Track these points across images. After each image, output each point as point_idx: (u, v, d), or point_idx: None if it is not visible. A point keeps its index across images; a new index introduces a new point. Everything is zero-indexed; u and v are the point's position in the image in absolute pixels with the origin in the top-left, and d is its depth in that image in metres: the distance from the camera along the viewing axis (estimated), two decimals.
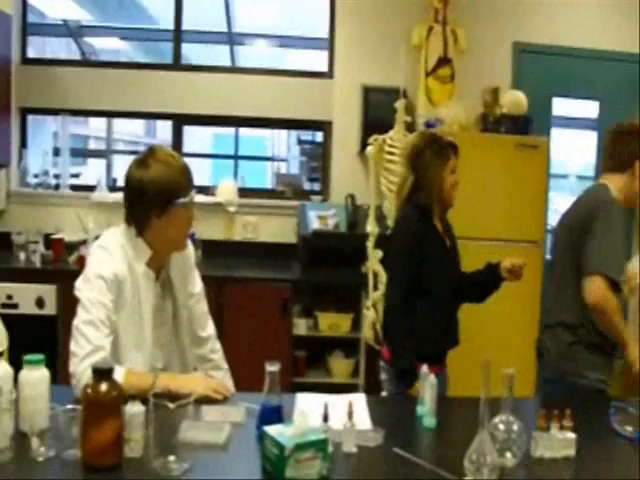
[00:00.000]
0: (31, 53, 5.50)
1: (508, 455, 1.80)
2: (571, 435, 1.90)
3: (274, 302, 4.54)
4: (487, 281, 2.97)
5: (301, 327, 4.73)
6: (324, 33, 5.45)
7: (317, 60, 5.59)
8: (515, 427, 1.82)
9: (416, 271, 2.85)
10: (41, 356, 1.86)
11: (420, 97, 5.05)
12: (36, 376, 1.83)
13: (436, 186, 2.90)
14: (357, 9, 5.28)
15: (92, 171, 6.37)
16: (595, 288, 2.59)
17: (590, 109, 5.61)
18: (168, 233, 2.32)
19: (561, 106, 5.46)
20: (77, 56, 5.93)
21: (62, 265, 4.65)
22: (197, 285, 2.61)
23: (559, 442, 1.88)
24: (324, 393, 2.30)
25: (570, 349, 2.73)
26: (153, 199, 2.25)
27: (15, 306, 4.38)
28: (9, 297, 4.39)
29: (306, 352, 4.82)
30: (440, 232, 2.96)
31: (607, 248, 2.62)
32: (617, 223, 2.65)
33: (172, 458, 1.70)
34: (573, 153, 6.07)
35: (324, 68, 5.45)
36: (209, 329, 2.66)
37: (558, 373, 2.77)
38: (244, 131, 6.18)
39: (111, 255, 2.27)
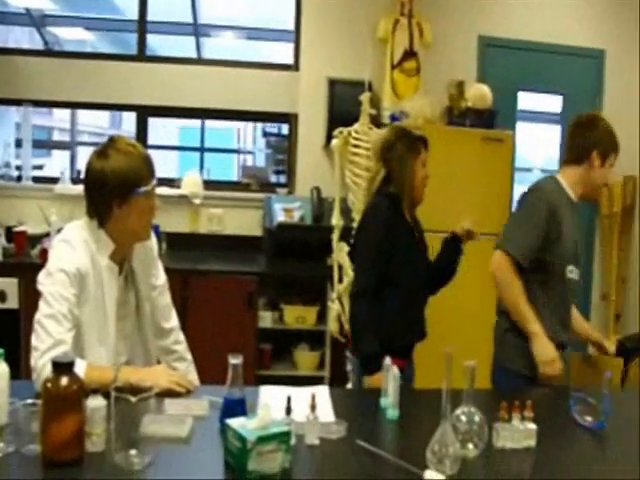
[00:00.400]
0: None
1: (470, 446, 1.82)
2: (532, 426, 1.92)
3: (240, 295, 4.53)
4: (449, 254, 3.07)
5: (267, 320, 4.73)
6: (290, 25, 5.45)
7: (283, 52, 5.58)
8: (477, 418, 1.83)
9: (385, 260, 2.87)
10: (0, 350, 1.83)
11: (386, 90, 5.06)
12: None
13: (407, 179, 2.93)
14: (323, 2, 5.27)
15: (56, 163, 6.30)
16: (495, 260, 2.74)
17: (554, 103, 5.67)
18: (130, 223, 2.30)
19: (526, 100, 5.51)
20: (40, 46, 5.85)
21: (24, 258, 4.59)
22: (160, 277, 2.60)
23: (520, 433, 1.90)
24: (290, 386, 2.30)
25: (504, 335, 2.83)
26: (114, 189, 2.23)
27: None
28: None
29: (272, 345, 4.82)
30: (409, 223, 2.98)
31: (519, 231, 2.77)
32: (539, 212, 2.73)
33: (134, 452, 1.68)
34: (537, 147, 6.13)
35: (290, 60, 5.45)
36: (172, 321, 2.66)
37: (498, 360, 2.87)
38: (210, 123, 6.15)
39: (74, 249, 2.25)
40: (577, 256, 2.82)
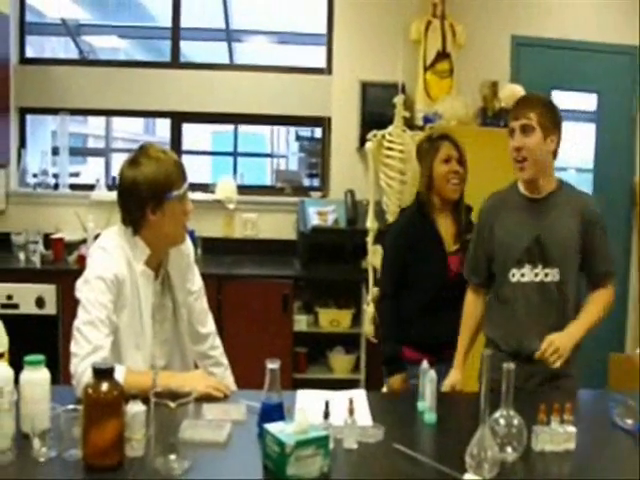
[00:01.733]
0: (30, 52, 5.48)
1: (509, 450, 1.81)
2: (572, 428, 1.90)
3: (274, 299, 4.54)
4: None
5: (302, 323, 4.73)
6: (322, 29, 5.44)
7: (315, 56, 5.58)
8: (515, 421, 1.82)
9: (402, 264, 3.04)
10: (41, 357, 1.86)
11: (419, 92, 5.04)
12: (37, 377, 1.84)
13: (425, 177, 3.07)
14: (355, 4, 5.26)
15: (91, 170, 6.37)
16: None
17: (588, 102, 5.60)
18: (165, 228, 2.33)
19: (560, 99, 5.45)
20: (75, 55, 5.93)
21: (62, 265, 4.65)
22: (196, 282, 2.62)
23: (559, 436, 1.88)
24: (325, 389, 2.31)
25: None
26: (146, 196, 2.26)
27: (15, 306, 4.38)
28: (9, 297, 4.39)
29: (307, 348, 4.82)
30: (436, 228, 3.05)
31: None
32: (476, 225, 2.82)
33: (173, 457, 1.70)
34: (572, 146, 6.05)
35: (322, 64, 5.45)
36: (209, 326, 2.68)
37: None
38: (243, 128, 6.17)
39: (110, 255, 2.28)
40: (533, 256, 2.59)
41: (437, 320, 3.00)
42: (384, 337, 3.09)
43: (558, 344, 2.38)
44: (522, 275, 2.60)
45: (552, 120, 2.56)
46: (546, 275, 2.58)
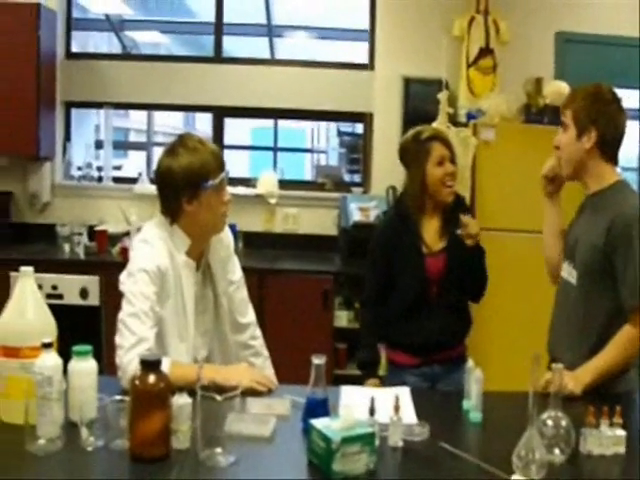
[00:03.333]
0: (75, 48, 5.56)
1: (556, 451, 1.78)
2: (621, 432, 1.86)
3: (315, 294, 4.54)
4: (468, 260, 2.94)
5: (342, 319, 4.73)
6: (364, 24, 5.43)
7: (358, 52, 5.57)
8: (564, 423, 1.79)
9: (384, 268, 2.95)
10: (89, 347, 1.88)
11: (461, 88, 4.99)
12: (84, 367, 1.86)
13: (418, 181, 2.89)
14: (398, 0, 5.23)
15: (133, 163, 6.43)
16: None
17: (635, 98, 5.50)
18: (201, 218, 2.34)
19: None
20: (119, 50, 5.98)
21: (105, 256, 4.72)
22: (237, 272, 2.63)
23: (608, 439, 1.85)
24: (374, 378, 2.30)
25: None
26: (182, 185, 2.27)
27: (60, 297, 4.44)
28: (54, 287, 4.44)
29: (347, 344, 4.81)
30: (415, 229, 2.92)
31: None
32: None
33: (219, 450, 1.70)
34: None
35: (364, 60, 5.43)
36: (249, 316, 2.68)
37: None
38: (283, 123, 6.18)
39: (152, 247, 2.30)
40: (570, 253, 2.50)
41: (422, 322, 2.90)
42: (361, 342, 3.02)
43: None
44: (563, 270, 2.54)
45: (590, 115, 2.38)
46: (572, 275, 2.45)
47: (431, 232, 2.94)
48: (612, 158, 2.45)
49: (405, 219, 2.94)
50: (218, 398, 1.69)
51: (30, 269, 1.94)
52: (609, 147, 2.42)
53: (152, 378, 1.71)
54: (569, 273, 2.47)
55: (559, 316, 2.54)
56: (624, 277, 2.29)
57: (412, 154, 2.92)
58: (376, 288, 2.98)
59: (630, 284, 2.28)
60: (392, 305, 2.96)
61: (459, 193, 3.01)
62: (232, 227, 4.11)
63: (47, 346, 1.80)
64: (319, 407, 1.87)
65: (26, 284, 1.93)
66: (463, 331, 3.04)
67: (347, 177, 5.75)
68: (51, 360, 1.79)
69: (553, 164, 2.56)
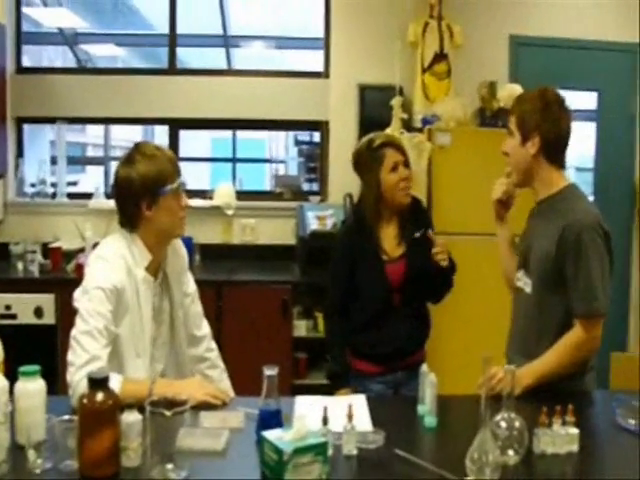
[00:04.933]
0: (28, 62, 5.49)
1: (510, 452, 1.78)
2: (574, 430, 1.87)
3: (274, 304, 4.52)
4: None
5: (301, 329, 4.71)
6: (319, 33, 5.43)
7: (313, 60, 5.58)
8: (517, 424, 1.80)
9: (345, 277, 2.94)
10: (36, 367, 1.84)
11: (417, 94, 5.01)
12: (32, 388, 1.82)
13: (373, 189, 2.89)
14: (352, 7, 5.25)
15: (91, 179, 6.36)
16: None
17: (589, 100, 5.58)
18: (161, 223, 2.33)
19: None
20: (74, 64, 5.92)
21: (60, 274, 4.63)
22: (191, 285, 2.64)
23: (562, 437, 1.85)
24: (326, 394, 2.29)
25: None
26: (141, 192, 2.28)
27: (14, 316, 4.37)
28: (7, 307, 4.38)
29: (307, 354, 4.79)
30: (374, 237, 2.91)
31: None
32: None
33: (170, 466, 1.68)
34: (572, 145, 6.02)
35: (320, 68, 5.44)
36: (204, 328, 2.69)
37: None
38: (242, 134, 6.16)
39: (110, 265, 2.27)
40: (523, 261, 2.48)
41: (386, 330, 2.89)
42: (329, 354, 3.00)
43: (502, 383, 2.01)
44: (517, 279, 2.51)
45: (532, 120, 2.36)
46: (525, 284, 2.45)
47: (389, 239, 2.94)
48: (559, 162, 2.44)
49: (363, 227, 2.93)
50: (167, 413, 1.67)
51: None
52: (554, 151, 2.41)
53: (100, 396, 1.68)
54: (524, 282, 2.46)
55: (516, 324, 2.53)
56: (576, 283, 2.28)
57: (366, 162, 2.92)
58: (339, 298, 2.97)
59: (582, 290, 2.28)
60: (355, 315, 2.94)
61: (415, 195, 3.01)
62: (188, 240, 4.11)
63: None
64: (272, 418, 1.85)
65: None
66: (424, 336, 3.04)
67: (306, 186, 5.73)
68: None
69: (505, 187, 2.56)
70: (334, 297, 2.99)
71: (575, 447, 1.86)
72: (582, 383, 2.40)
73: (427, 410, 2.07)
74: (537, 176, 2.42)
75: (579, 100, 5.76)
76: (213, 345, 2.71)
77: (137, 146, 2.36)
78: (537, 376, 2.27)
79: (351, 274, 2.92)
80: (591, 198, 5.59)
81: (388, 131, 4.28)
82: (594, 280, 2.27)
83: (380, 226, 2.94)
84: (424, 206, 3.14)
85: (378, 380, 2.90)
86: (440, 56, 5.04)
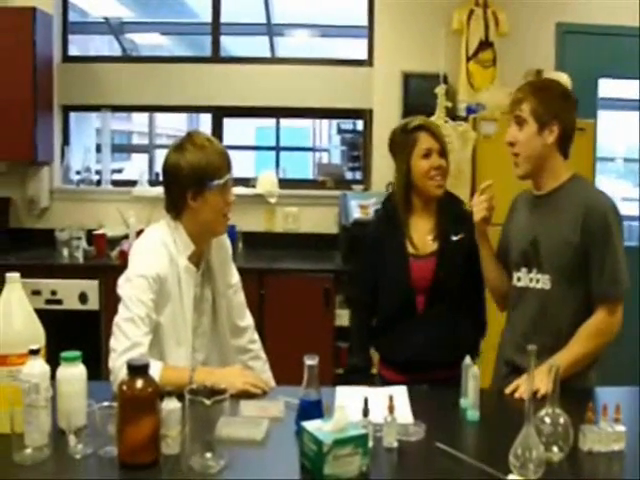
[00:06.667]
0: (75, 51, 5.54)
1: (554, 449, 1.74)
2: (621, 428, 1.82)
3: (316, 293, 4.50)
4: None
5: (343, 318, 4.66)
6: (363, 21, 5.39)
7: (357, 48, 5.53)
8: (562, 420, 1.75)
9: (372, 272, 2.78)
10: (78, 353, 1.85)
11: (461, 82, 4.95)
12: (73, 373, 1.83)
13: (403, 175, 2.70)
14: None
15: (136, 166, 6.41)
16: None
17: (636, 89, 5.45)
18: (205, 216, 2.33)
19: (607, 87, 5.31)
20: (119, 53, 5.96)
21: (104, 260, 4.69)
22: (235, 276, 2.64)
23: (608, 435, 1.81)
24: (366, 384, 2.27)
25: None
26: (187, 181, 2.28)
27: (59, 302, 4.42)
28: (53, 293, 4.43)
29: (349, 343, 4.76)
30: (402, 230, 2.71)
31: None
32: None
33: (209, 455, 1.68)
34: (620, 135, 5.90)
35: (364, 56, 5.39)
36: (247, 319, 2.69)
37: None
38: (285, 122, 6.14)
39: (153, 253, 2.29)
40: (528, 259, 2.41)
41: (406, 335, 2.67)
42: (350, 346, 2.88)
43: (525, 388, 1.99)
44: (519, 279, 2.44)
45: (551, 109, 2.31)
46: (538, 281, 2.38)
47: (421, 232, 2.72)
48: (567, 153, 2.40)
49: (393, 217, 2.75)
50: (206, 402, 1.66)
51: (16, 275, 1.91)
52: (568, 142, 2.38)
53: (139, 383, 1.68)
54: (534, 280, 2.39)
55: (526, 324, 2.42)
56: (602, 267, 2.27)
57: (399, 145, 2.73)
58: (365, 291, 2.82)
59: (608, 273, 2.27)
60: (378, 313, 2.81)
61: (453, 193, 2.84)
62: (231, 228, 4.12)
63: (34, 353, 1.78)
64: (312, 409, 1.84)
65: (13, 290, 1.90)
66: (466, 348, 2.51)
67: (349, 175, 5.70)
68: (38, 367, 1.76)
69: (486, 204, 2.48)
70: (360, 289, 2.87)
71: (622, 445, 1.81)
72: (584, 379, 2.36)
73: (470, 403, 2.04)
74: (547, 166, 2.37)
75: (627, 89, 5.63)
76: (256, 337, 2.71)
77: (189, 134, 2.37)
78: (567, 363, 2.20)
79: (376, 266, 2.76)
80: (637, 189, 5.49)
81: (432, 119, 4.23)
82: (620, 262, 2.29)
83: (411, 217, 2.73)
84: (468, 210, 2.73)
85: None
86: (485, 44, 4.97)
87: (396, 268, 2.70)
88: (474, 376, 2.05)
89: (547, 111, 2.31)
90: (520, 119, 2.36)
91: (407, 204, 2.73)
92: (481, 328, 2.82)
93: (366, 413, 1.81)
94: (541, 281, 2.37)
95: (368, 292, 2.81)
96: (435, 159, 2.67)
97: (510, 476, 1.62)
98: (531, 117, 2.33)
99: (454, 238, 2.68)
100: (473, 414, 2.03)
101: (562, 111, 2.33)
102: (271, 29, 5.91)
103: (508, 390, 2.22)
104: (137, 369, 1.70)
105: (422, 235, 2.72)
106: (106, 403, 1.75)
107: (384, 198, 2.90)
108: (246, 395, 2.11)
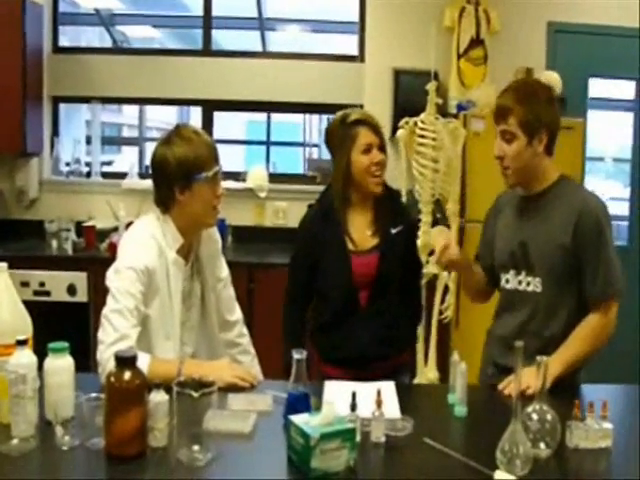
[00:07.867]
0: (66, 42, 5.51)
1: (542, 446, 1.75)
2: (608, 425, 1.83)
3: None
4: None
5: None
6: (355, 16, 5.39)
7: (348, 44, 5.53)
8: (549, 417, 1.76)
9: (306, 271, 2.71)
10: (65, 344, 1.85)
11: (452, 79, 4.97)
12: (60, 364, 1.83)
13: (342, 170, 2.61)
14: None
15: (126, 159, 6.39)
16: None
17: (627, 89, 5.47)
18: (193, 209, 2.32)
19: (597, 87, 5.33)
20: (109, 45, 5.93)
21: (93, 252, 4.68)
22: (224, 270, 2.63)
23: (595, 432, 1.82)
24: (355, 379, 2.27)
25: None
26: (175, 174, 2.27)
27: (47, 293, 4.42)
28: (41, 284, 4.42)
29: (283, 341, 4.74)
30: (340, 226, 2.64)
31: None
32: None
33: (197, 447, 1.68)
34: (609, 135, 5.92)
35: (355, 52, 5.40)
36: (236, 313, 2.69)
37: None
38: (276, 117, 6.13)
39: (142, 246, 2.28)
40: (516, 261, 2.38)
41: (351, 333, 2.62)
42: (285, 344, 2.67)
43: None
44: (507, 281, 2.42)
45: (539, 117, 2.26)
46: (528, 284, 2.36)
47: (360, 228, 2.67)
48: (552, 151, 2.36)
49: (328, 212, 2.67)
50: (194, 394, 1.66)
51: (4, 265, 1.90)
52: (554, 141, 2.35)
53: (127, 374, 1.68)
54: (525, 282, 2.37)
55: (515, 327, 2.39)
56: (596, 268, 2.27)
57: (337, 139, 2.64)
58: (299, 288, 2.75)
59: (603, 273, 2.27)
60: (318, 312, 2.74)
61: (388, 185, 2.75)
62: (221, 222, 4.11)
63: (21, 343, 1.77)
64: (300, 403, 1.84)
65: (0, 280, 1.89)
66: (405, 339, 2.77)
67: None
68: (25, 358, 1.76)
69: (445, 234, 2.49)
70: (292, 288, 2.78)
71: (609, 442, 1.82)
72: (575, 377, 2.35)
73: (457, 399, 2.05)
74: (536, 171, 2.34)
75: (617, 89, 5.66)
76: (245, 331, 2.71)
77: (177, 127, 2.36)
78: (564, 364, 2.22)
79: (314, 264, 2.68)
80: (628, 189, 5.51)
81: (422, 116, 4.23)
82: (614, 262, 2.29)
83: (349, 213, 2.67)
84: (403, 202, 2.79)
85: None
86: (476, 42, 4.99)
87: (337, 266, 2.64)
88: (461, 372, 2.05)
89: (535, 120, 2.26)
90: (508, 134, 2.29)
91: (345, 199, 2.66)
92: (418, 316, 2.88)
93: (354, 407, 1.82)
94: (532, 284, 2.35)
95: (301, 289, 2.75)
96: (375, 154, 2.62)
97: (497, 472, 1.62)
98: (519, 130, 2.27)
99: (393, 231, 2.66)
100: (461, 410, 2.03)
101: (549, 117, 2.29)
102: (263, 23, 5.89)
103: (500, 387, 2.22)
104: (125, 361, 1.70)
105: (361, 231, 2.67)
106: (94, 395, 1.75)
107: (320, 193, 2.81)
108: (234, 388, 2.11)
